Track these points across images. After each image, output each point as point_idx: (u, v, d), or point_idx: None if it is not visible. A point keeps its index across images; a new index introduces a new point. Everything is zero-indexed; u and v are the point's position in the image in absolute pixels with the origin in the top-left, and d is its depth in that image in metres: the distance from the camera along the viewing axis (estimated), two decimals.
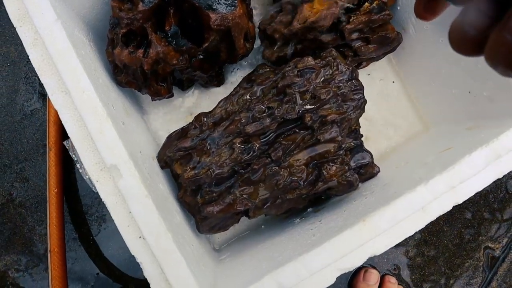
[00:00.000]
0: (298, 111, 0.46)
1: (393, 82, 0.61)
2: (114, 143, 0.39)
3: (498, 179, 0.51)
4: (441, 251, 0.70)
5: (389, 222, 0.41)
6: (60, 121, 0.54)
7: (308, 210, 0.53)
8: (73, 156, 0.50)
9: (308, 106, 0.46)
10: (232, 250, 0.54)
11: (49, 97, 0.41)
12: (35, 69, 0.41)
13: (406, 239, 0.59)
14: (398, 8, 0.55)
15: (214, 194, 0.47)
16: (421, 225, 0.42)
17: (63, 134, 0.57)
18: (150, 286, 0.39)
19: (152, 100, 0.54)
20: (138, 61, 0.45)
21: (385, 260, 0.69)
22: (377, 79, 0.61)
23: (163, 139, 0.54)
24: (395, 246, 0.65)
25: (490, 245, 0.70)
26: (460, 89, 0.52)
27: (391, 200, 0.42)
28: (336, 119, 0.46)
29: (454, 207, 0.43)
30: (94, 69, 0.44)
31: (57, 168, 0.55)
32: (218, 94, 0.58)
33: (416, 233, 0.61)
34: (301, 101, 0.47)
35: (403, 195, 0.42)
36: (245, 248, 0.52)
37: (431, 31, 0.52)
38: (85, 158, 0.39)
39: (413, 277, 0.69)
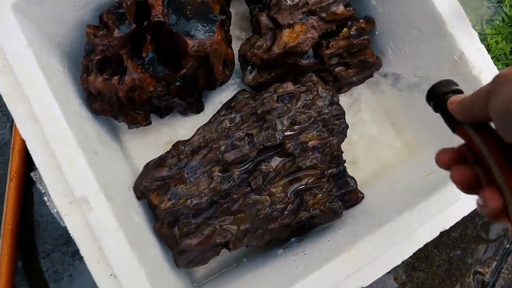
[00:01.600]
0: (278, 137, 0.45)
1: (378, 107, 0.60)
2: (84, 173, 0.37)
3: None
4: (430, 277, 0.68)
5: (375, 251, 0.39)
6: (26, 151, 0.52)
7: (292, 240, 0.51)
8: (41, 188, 0.48)
9: (288, 133, 0.45)
10: (214, 285, 0.51)
11: (17, 125, 0.39)
12: (3, 96, 0.39)
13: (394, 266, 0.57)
14: (377, 33, 0.55)
15: (192, 226, 0.45)
16: (409, 253, 0.40)
17: (27, 165, 0.54)
18: None
19: (129, 128, 0.52)
20: (113, 88, 0.44)
21: None
22: (358, 104, 0.60)
23: (140, 169, 0.52)
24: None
25: (479, 270, 0.69)
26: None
27: (377, 228, 0.40)
28: (318, 145, 0.45)
29: (441, 231, 0.42)
30: (66, 97, 0.42)
31: (16, 201, 0.51)
32: (197, 121, 0.57)
33: None
34: (281, 127, 0.45)
35: (389, 223, 0.40)
36: (227, 283, 0.50)
37: (410, 55, 0.53)
38: (53, 190, 0.37)
39: None
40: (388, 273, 0.66)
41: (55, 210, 0.47)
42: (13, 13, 0.39)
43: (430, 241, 0.67)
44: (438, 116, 0.31)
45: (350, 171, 0.52)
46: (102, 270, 0.37)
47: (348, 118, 0.50)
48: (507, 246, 0.71)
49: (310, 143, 0.45)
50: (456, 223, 0.60)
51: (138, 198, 0.49)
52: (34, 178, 0.48)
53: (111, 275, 0.37)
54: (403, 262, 0.57)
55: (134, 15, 0.45)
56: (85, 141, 0.41)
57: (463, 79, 0.46)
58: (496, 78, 0.21)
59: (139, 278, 0.36)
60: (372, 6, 0.54)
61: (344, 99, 0.59)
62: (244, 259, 0.54)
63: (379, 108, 0.60)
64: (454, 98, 0.25)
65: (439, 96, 0.28)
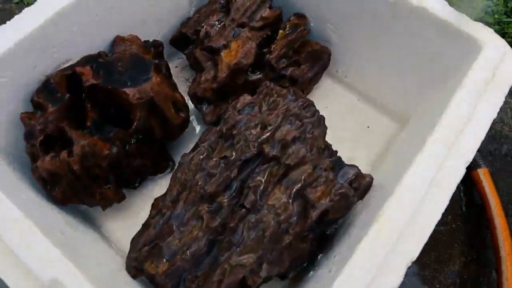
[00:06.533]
0: (253, 146, 0.41)
1: (348, 95, 0.58)
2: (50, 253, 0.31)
3: None
4: None
5: (403, 211, 0.33)
6: None
7: (319, 257, 0.44)
8: None
9: (263, 136, 0.41)
10: None
11: None
12: None
13: None
14: (312, 24, 0.54)
15: (199, 278, 0.38)
16: (444, 200, 0.34)
17: None
18: None
19: (103, 210, 0.47)
20: (64, 163, 0.40)
21: None
22: (331, 100, 0.57)
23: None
24: None
25: None
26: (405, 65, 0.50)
27: (395, 186, 0.35)
28: (297, 136, 0.41)
29: None
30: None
31: None
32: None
33: None
34: (252, 136, 0.41)
35: (404, 176, 0.35)
36: None
37: (350, 28, 0.51)
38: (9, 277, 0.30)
39: None
40: None
41: None
42: None
43: None
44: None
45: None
46: None
47: (328, 116, 0.47)
48: None
49: (288, 136, 0.41)
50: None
51: (134, 276, 0.42)
52: None
53: None
54: None
55: (67, 88, 0.44)
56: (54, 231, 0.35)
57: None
58: None
59: None
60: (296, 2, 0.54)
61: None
62: None
63: (352, 94, 0.57)
64: None
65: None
